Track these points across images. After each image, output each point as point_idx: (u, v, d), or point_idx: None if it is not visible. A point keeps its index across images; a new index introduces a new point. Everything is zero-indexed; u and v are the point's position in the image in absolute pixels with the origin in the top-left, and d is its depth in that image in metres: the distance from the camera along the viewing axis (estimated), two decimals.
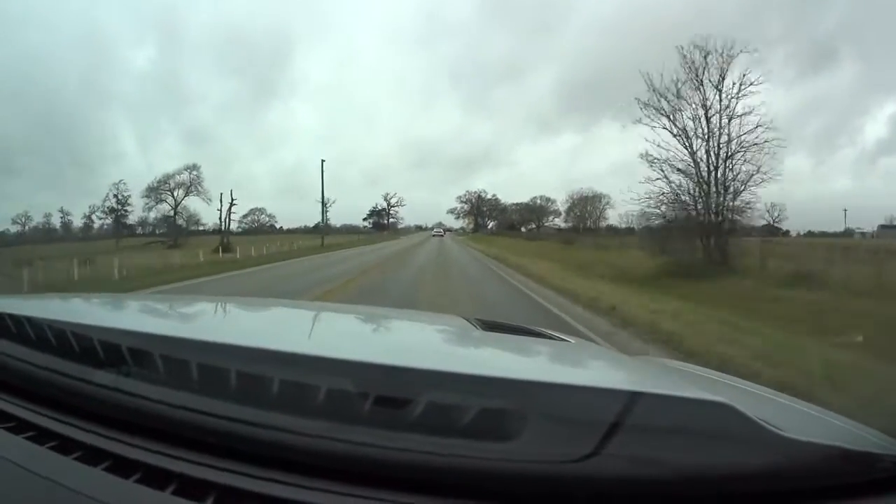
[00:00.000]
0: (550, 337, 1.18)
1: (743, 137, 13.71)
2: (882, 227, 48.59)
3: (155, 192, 46.04)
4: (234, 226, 61.86)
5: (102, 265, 15.54)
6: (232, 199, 42.95)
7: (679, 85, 14.46)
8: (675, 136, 14.51)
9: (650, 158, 14.40)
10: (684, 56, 14.49)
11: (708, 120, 14.27)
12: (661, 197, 14.37)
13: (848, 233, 50.47)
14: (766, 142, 13.37)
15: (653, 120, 14.61)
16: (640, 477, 0.50)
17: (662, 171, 14.30)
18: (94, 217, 49.16)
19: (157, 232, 48.56)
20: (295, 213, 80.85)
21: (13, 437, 0.63)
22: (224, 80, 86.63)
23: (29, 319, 0.77)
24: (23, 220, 49.28)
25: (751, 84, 13.83)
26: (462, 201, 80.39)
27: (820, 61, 76.96)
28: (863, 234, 49.07)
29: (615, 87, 70.65)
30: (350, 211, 77.98)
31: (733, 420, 0.51)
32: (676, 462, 0.50)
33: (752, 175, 13.52)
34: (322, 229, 39.78)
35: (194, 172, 46.06)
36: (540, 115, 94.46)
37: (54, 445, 0.61)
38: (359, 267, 14.78)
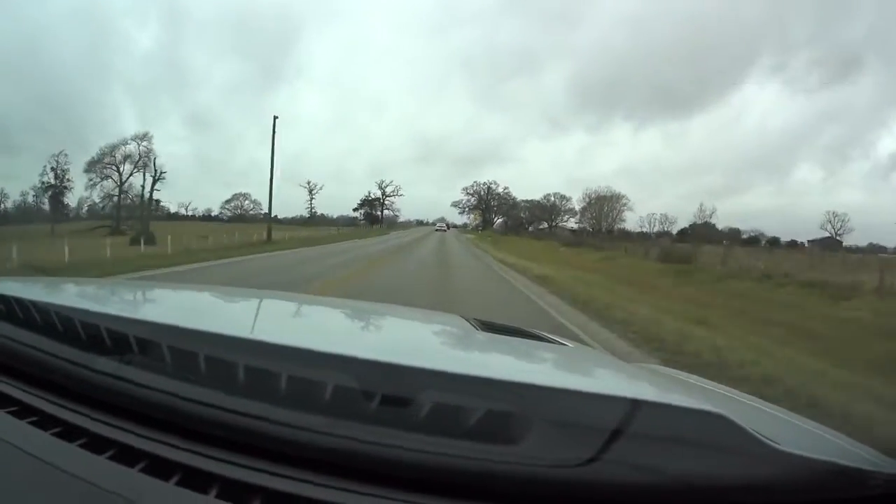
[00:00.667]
0: (549, 340, 1.18)
1: None
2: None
3: (98, 166, 38.06)
4: (214, 211, 58.09)
5: None
6: (157, 173, 36.27)
7: None
8: None
9: None
10: None
11: None
12: None
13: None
14: None
15: None
16: (639, 484, 0.51)
17: None
18: (42, 196, 41.23)
19: (116, 215, 41.17)
20: (293, 201, 72.48)
21: (16, 421, 0.63)
22: (229, 63, 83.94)
23: (34, 303, 0.77)
24: None
25: None
26: (468, 193, 73.04)
27: (844, 69, 73.75)
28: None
29: (630, 87, 71.46)
30: (350, 203, 72.07)
31: (730, 431, 0.52)
32: (675, 471, 0.50)
33: None
34: (269, 218, 29.55)
35: (144, 143, 38.63)
36: (551, 113, 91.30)
37: (57, 431, 0.60)
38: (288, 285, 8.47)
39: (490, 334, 1.12)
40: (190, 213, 53.37)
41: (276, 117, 25.02)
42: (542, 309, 7.64)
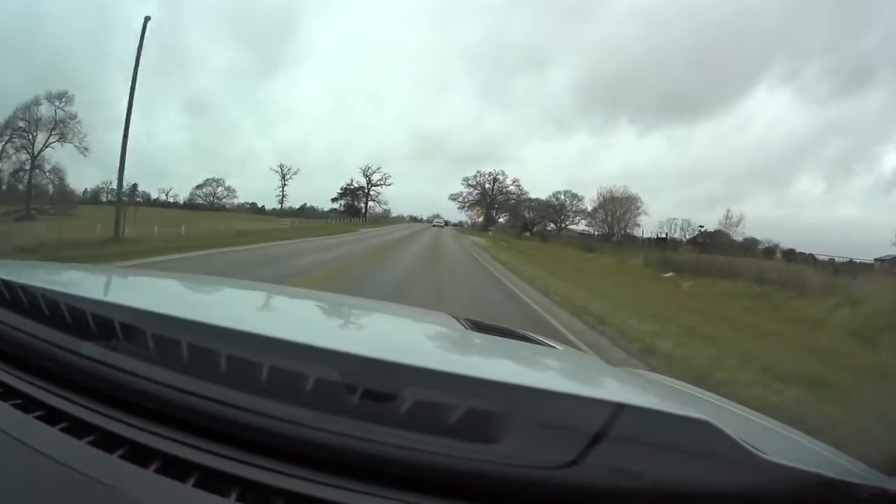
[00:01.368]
0: (537, 342, 1.18)
1: None
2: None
3: (7, 132, 29.80)
4: (183, 196, 50.94)
5: None
6: (80, 143, 27.53)
7: None
8: None
9: None
10: None
11: None
12: None
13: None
14: None
15: None
16: (619, 488, 0.51)
17: None
18: None
19: (28, 197, 32.09)
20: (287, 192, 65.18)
21: (0, 404, 0.63)
22: (227, 49, 77.99)
23: (21, 286, 0.76)
24: None
25: None
26: (470, 185, 62.70)
27: (856, 80, 67.79)
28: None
29: (638, 89, 65.14)
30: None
31: (715, 439, 0.52)
32: (656, 476, 0.50)
33: None
34: (118, 202, 16.53)
35: (61, 104, 30.17)
36: (554, 112, 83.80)
37: (41, 415, 0.61)
38: None
39: (479, 334, 1.13)
40: (171, 200, 49.66)
41: (147, 18, 15.28)
42: None
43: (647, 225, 52.49)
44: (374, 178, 62.73)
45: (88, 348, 0.65)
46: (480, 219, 64.28)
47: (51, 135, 29.87)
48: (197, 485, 0.52)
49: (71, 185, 34.13)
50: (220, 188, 54.64)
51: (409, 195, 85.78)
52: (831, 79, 63.45)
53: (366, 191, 62.95)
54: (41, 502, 0.50)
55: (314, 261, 11.28)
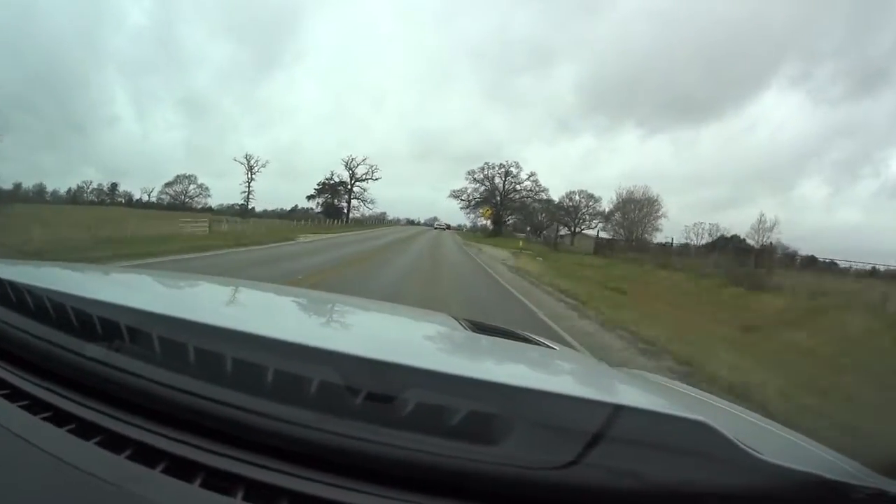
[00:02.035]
0: (536, 343, 1.20)
1: None
2: None
3: None
4: (152, 195, 46.62)
5: None
6: None
7: None
8: None
9: None
10: None
11: None
12: None
13: None
14: None
15: None
16: (617, 489, 0.51)
17: None
18: None
19: None
20: (282, 194, 66.83)
21: (8, 405, 0.63)
22: (223, 47, 75.21)
23: (28, 288, 0.76)
24: None
25: None
26: (476, 179, 52.67)
27: (868, 81, 64.30)
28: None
29: (645, 90, 62.44)
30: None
31: (713, 440, 0.52)
32: (654, 477, 0.51)
33: None
34: None
35: None
36: (558, 114, 78.78)
37: (48, 416, 0.61)
38: None
39: (479, 335, 1.12)
40: (155, 200, 47.97)
41: None
42: None
43: (667, 229, 46.53)
44: (359, 171, 53.81)
45: (93, 350, 0.65)
46: (486, 221, 53.28)
47: None
48: (203, 485, 0.52)
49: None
50: (192, 186, 49.32)
51: (406, 198, 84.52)
52: (843, 81, 60.11)
53: (348, 186, 53.60)
54: (49, 502, 0.51)
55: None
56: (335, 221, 45.34)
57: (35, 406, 0.63)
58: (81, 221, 13.82)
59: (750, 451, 0.52)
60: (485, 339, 1.11)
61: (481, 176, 53.61)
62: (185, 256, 9.41)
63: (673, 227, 51.15)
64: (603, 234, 48.88)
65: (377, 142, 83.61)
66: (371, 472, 0.53)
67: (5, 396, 0.64)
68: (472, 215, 55.34)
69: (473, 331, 1.16)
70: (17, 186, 35.16)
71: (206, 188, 49.44)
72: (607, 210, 49.29)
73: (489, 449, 0.52)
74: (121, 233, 13.34)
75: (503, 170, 53.44)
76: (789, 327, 7.44)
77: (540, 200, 51.94)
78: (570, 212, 49.56)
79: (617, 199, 49.63)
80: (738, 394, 3.80)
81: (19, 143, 43.95)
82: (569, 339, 5.32)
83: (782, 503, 0.52)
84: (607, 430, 0.51)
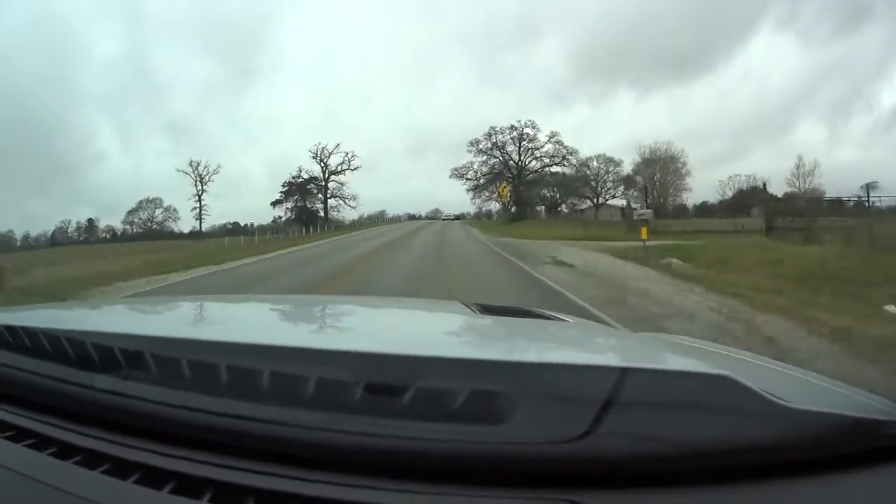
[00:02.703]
0: (548, 317, 1.16)
1: None
2: None
3: None
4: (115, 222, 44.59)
5: None
6: None
7: None
8: None
9: None
10: None
11: None
12: None
13: None
14: None
15: None
16: (639, 454, 0.49)
17: None
18: None
19: None
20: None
21: (13, 446, 0.63)
22: (200, 66, 73.54)
23: (24, 328, 0.76)
24: None
25: None
26: (481, 151, 42.19)
27: (855, 16, 63.46)
28: None
29: (634, 51, 60.85)
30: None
31: (736, 392, 0.51)
32: (677, 437, 0.49)
33: None
34: None
35: None
36: (550, 88, 77.41)
37: (54, 451, 0.61)
38: None
39: (489, 317, 1.10)
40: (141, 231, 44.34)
41: None
42: None
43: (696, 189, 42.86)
44: (333, 162, 43.86)
45: (100, 380, 0.65)
46: (499, 204, 43.46)
47: None
48: (212, 500, 0.52)
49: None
50: (158, 210, 44.36)
51: (406, 194, 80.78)
52: (831, 18, 60.48)
53: (322, 183, 43.74)
54: None
55: None
56: (309, 229, 36.50)
57: (41, 443, 0.63)
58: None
59: (775, 399, 0.51)
60: (494, 321, 1.09)
61: (489, 145, 42.58)
62: None
63: (723, 183, 43.80)
64: (625, 204, 40.99)
65: (370, 141, 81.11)
66: (385, 468, 0.52)
67: (9, 438, 0.65)
68: (478, 199, 45.46)
69: (483, 314, 1.10)
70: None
71: (174, 210, 44.49)
72: (630, 173, 41.14)
73: (501, 429, 0.50)
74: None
75: (516, 133, 41.95)
76: None
77: (570, 166, 42.25)
78: (587, 181, 41.23)
79: (641, 159, 41.33)
80: None
81: (6, 191, 41.99)
82: None
83: (812, 448, 0.51)
84: (618, 394, 0.49)
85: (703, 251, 10.29)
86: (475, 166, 43.50)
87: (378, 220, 52.41)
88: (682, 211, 42.35)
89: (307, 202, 44.00)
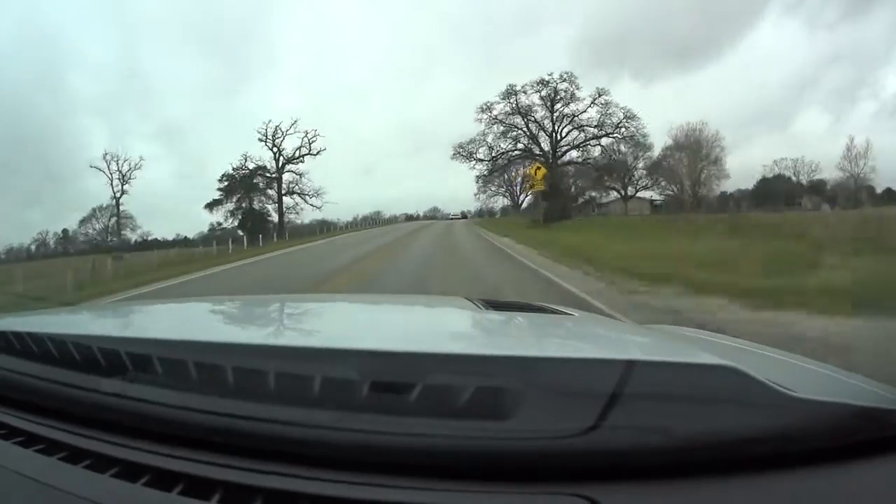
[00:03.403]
0: (553, 311, 1.15)
1: None
2: None
3: None
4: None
5: None
6: None
7: None
8: None
9: None
10: None
11: None
12: None
13: None
14: None
15: None
16: (646, 446, 0.49)
17: None
18: None
19: None
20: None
21: (23, 451, 0.64)
22: (193, 72, 64.19)
23: (30, 334, 0.77)
24: None
25: None
26: (496, 120, 28.99)
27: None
28: None
29: (638, 39, 54.22)
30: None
31: (743, 383, 0.51)
32: (684, 429, 0.49)
33: None
34: None
35: None
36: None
37: (64, 456, 0.61)
38: None
39: (494, 312, 1.09)
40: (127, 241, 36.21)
41: None
42: None
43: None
44: (287, 146, 32.86)
45: (107, 384, 0.65)
46: (505, 201, 33.47)
47: None
48: (221, 501, 0.52)
49: None
50: (112, 219, 35.06)
51: (404, 195, 78.49)
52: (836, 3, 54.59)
53: (275, 174, 32.68)
54: None
55: None
56: (258, 239, 24.81)
57: (50, 448, 0.63)
58: None
59: (782, 389, 0.51)
60: (499, 316, 1.08)
61: (507, 109, 27.87)
62: None
63: (767, 167, 38.42)
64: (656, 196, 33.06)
65: (368, 143, 74.17)
66: (393, 465, 0.52)
67: (19, 443, 0.65)
68: (483, 194, 34.07)
69: (488, 309, 1.09)
70: None
71: (132, 217, 35.29)
72: (658, 156, 32.67)
73: (508, 424, 0.50)
74: None
75: (547, 91, 27.28)
76: None
77: (624, 138, 29.36)
78: (614, 169, 32.48)
79: (673, 141, 32.75)
80: None
81: (6, 204, 38.05)
82: None
83: (821, 438, 0.51)
84: (624, 388, 0.49)
85: None
86: (488, 140, 29.56)
87: (374, 221, 46.79)
88: (721, 202, 34.21)
89: (254, 201, 33.22)
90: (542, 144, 29.87)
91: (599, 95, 28.67)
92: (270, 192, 33.23)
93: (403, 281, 8.06)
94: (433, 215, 53.13)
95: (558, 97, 28.75)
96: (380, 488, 0.50)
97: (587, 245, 11.87)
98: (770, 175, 37.58)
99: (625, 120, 28.62)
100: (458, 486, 0.50)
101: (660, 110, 62.84)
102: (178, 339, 0.72)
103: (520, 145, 29.97)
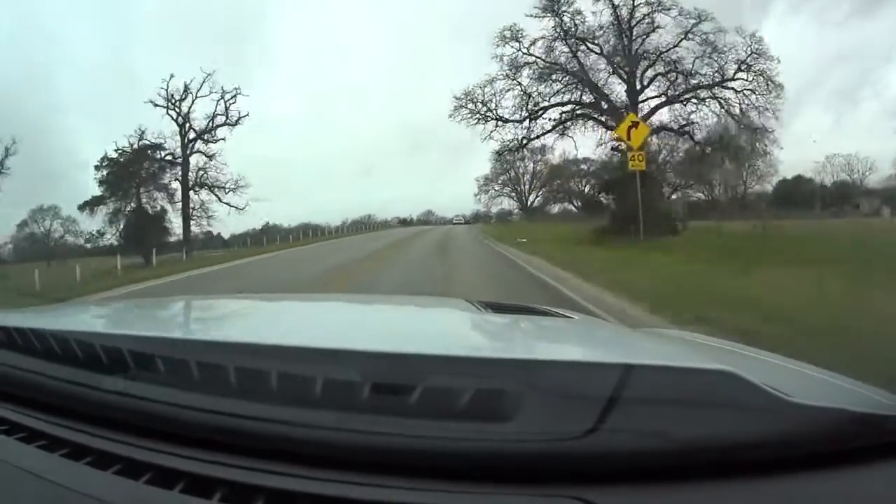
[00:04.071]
0: (553, 314, 1.16)
1: None
2: None
3: None
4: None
5: None
6: None
7: None
8: None
9: None
10: None
11: None
12: None
13: None
14: None
15: None
16: (644, 450, 0.50)
17: None
18: None
19: None
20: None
21: (25, 447, 0.64)
22: (186, 70, 59.06)
23: (32, 330, 0.77)
24: None
25: None
26: (523, 50, 16.29)
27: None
28: None
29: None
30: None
31: (739, 388, 0.51)
32: (681, 433, 0.50)
33: None
34: None
35: None
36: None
37: (66, 452, 0.62)
38: None
39: (495, 315, 1.10)
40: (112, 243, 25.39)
41: None
42: None
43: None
44: (198, 115, 22.28)
45: (109, 381, 0.66)
46: (513, 203, 26.79)
47: None
48: (222, 499, 0.52)
49: None
50: (56, 222, 29.00)
51: (400, 198, 79.82)
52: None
53: (181, 156, 21.94)
54: None
55: None
56: (151, 256, 17.25)
57: (53, 445, 0.63)
58: None
59: (779, 394, 0.51)
60: (499, 318, 1.08)
61: (549, 34, 16.61)
62: None
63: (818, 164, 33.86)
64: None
65: (366, 145, 76.83)
66: (393, 466, 0.52)
67: (21, 439, 0.65)
68: (484, 196, 27.11)
69: (488, 312, 1.11)
70: None
71: (74, 220, 27.64)
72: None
73: (507, 426, 0.50)
74: None
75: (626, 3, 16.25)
76: None
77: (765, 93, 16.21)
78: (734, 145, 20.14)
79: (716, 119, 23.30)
80: None
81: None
82: None
83: (817, 443, 0.51)
84: (622, 391, 0.49)
85: None
86: (523, 82, 17.39)
87: (364, 225, 44.17)
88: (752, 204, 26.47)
89: (142, 198, 21.55)
90: (613, 97, 17.16)
91: (700, 20, 15.99)
92: (175, 185, 22.44)
93: None
94: (426, 219, 51.21)
95: (634, 21, 16.46)
96: (380, 489, 0.51)
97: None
98: (819, 173, 31.07)
99: (751, 57, 15.99)
100: (457, 487, 0.50)
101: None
102: (180, 337, 0.74)
103: (569, 97, 17.18)
